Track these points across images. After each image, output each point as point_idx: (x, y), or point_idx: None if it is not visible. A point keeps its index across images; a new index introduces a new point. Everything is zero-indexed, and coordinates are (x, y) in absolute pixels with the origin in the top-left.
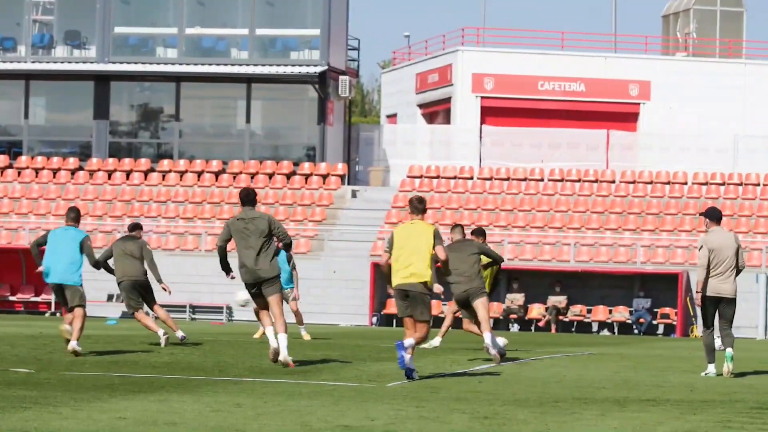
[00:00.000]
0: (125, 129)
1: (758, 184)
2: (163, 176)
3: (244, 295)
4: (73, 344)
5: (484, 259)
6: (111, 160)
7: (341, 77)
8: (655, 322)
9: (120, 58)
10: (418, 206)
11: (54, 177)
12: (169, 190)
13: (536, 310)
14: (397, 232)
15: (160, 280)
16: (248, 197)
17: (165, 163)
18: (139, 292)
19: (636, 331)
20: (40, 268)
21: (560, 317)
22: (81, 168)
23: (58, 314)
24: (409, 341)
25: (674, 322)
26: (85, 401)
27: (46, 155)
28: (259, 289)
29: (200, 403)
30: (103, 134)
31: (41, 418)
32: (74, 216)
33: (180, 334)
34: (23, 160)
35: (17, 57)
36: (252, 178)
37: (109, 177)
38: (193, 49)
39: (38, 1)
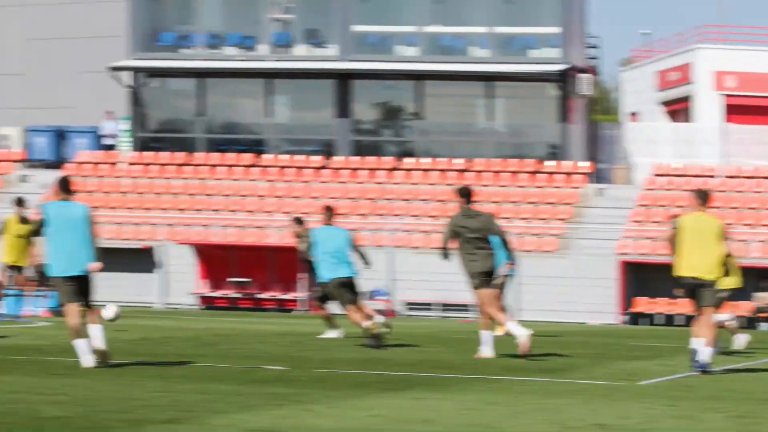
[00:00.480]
0: (367, 127)
1: None
2: (407, 174)
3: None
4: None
5: None
6: (355, 158)
7: (582, 75)
8: None
9: (360, 57)
10: (703, 198)
11: (298, 175)
12: (412, 188)
13: None
14: (684, 221)
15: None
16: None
17: (408, 161)
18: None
19: None
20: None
21: None
22: (324, 166)
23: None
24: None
25: None
26: (338, 399)
27: (290, 153)
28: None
29: (452, 401)
30: (346, 132)
31: (295, 415)
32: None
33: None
34: (267, 158)
35: (258, 56)
36: (496, 175)
37: (353, 175)
38: (432, 47)
39: (278, 0)
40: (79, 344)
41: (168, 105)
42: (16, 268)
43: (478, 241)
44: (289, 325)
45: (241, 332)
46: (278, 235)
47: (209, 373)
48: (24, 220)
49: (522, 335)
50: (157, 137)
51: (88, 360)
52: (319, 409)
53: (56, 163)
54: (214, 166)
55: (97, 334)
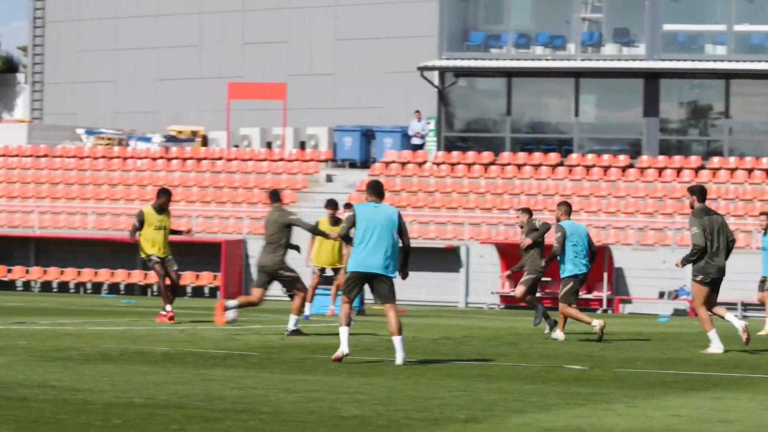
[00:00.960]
0: (675, 126)
1: None
2: (714, 173)
3: None
4: None
5: None
6: (661, 157)
7: None
8: None
9: (669, 56)
10: None
11: (604, 174)
12: (719, 187)
13: None
14: None
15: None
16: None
17: (715, 161)
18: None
19: None
20: None
21: None
22: (631, 165)
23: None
24: None
25: None
26: (638, 398)
27: (597, 153)
28: None
29: (754, 401)
30: (653, 132)
31: (595, 414)
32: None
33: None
34: (574, 157)
35: (567, 55)
36: None
37: (660, 174)
38: (741, 46)
39: (587, 0)
40: (342, 332)
41: (475, 105)
42: (325, 270)
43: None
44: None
45: (542, 332)
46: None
47: (509, 372)
48: (336, 222)
49: None
50: (463, 137)
51: (343, 350)
52: (618, 409)
53: (363, 163)
54: (520, 165)
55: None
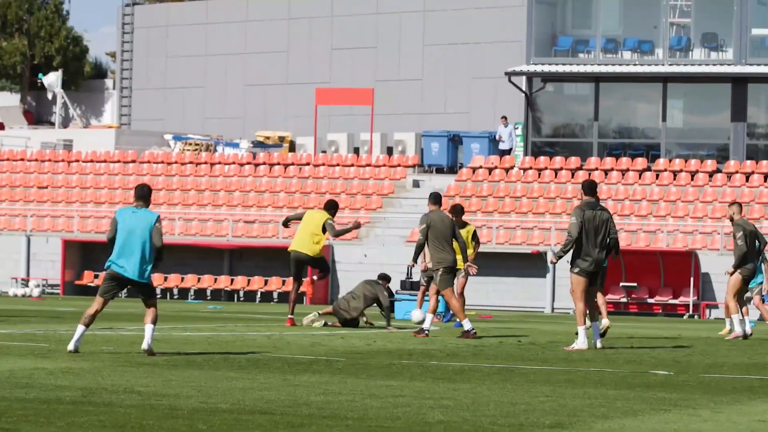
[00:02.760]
0: (762, 131)
1: None
2: None
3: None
4: None
5: None
6: (748, 162)
7: None
8: None
9: (757, 60)
10: None
11: (691, 180)
12: None
13: None
14: None
15: None
16: None
17: None
18: None
19: None
20: None
21: None
22: (718, 170)
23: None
24: None
25: None
26: (724, 404)
27: (684, 158)
28: None
29: None
30: (741, 136)
31: (681, 420)
32: None
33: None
34: (661, 162)
35: (654, 60)
36: None
37: (747, 179)
38: None
39: (675, 4)
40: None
41: (562, 110)
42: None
43: None
44: (678, 330)
45: (628, 336)
46: (667, 239)
47: (595, 378)
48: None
49: None
50: (550, 142)
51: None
52: (704, 414)
53: (450, 169)
54: (607, 171)
55: None
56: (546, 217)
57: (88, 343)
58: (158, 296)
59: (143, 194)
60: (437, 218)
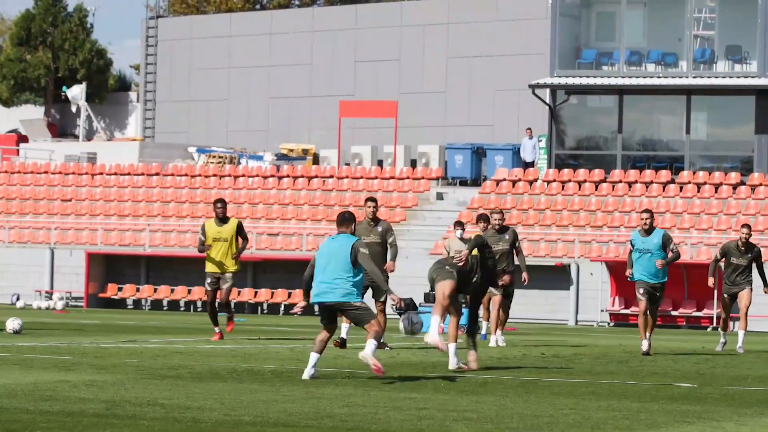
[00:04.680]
0: None
1: None
2: None
3: None
4: None
5: None
6: None
7: None
8: None
9: None
10: None
11: (715, 192)
12: None
13: None
14: None
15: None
16: None
17: None
18: None
19: None
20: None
21: None
22: (742, 183)
23: None
24: None
25: None
26: (748, 416)
27: (708, 170)
28: None
29: None
30: (765, 149)
31: None
32: None
33: None
34: (685, 175)
35: (678, 72)
36: None
37: None
38: None
39: (699, 17)
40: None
41: (586, 122)
42: None
43: None
44: (701, 342)
45: (653, 349)
46: (690, 251)
47: (618, 390)
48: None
49: None
50: (574, 154)
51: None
52: (728, 427)
53: (473, 181)
54: (631, 183)
55: None
56: (570, 229)
57: (112, 356)
58: (182, 309)
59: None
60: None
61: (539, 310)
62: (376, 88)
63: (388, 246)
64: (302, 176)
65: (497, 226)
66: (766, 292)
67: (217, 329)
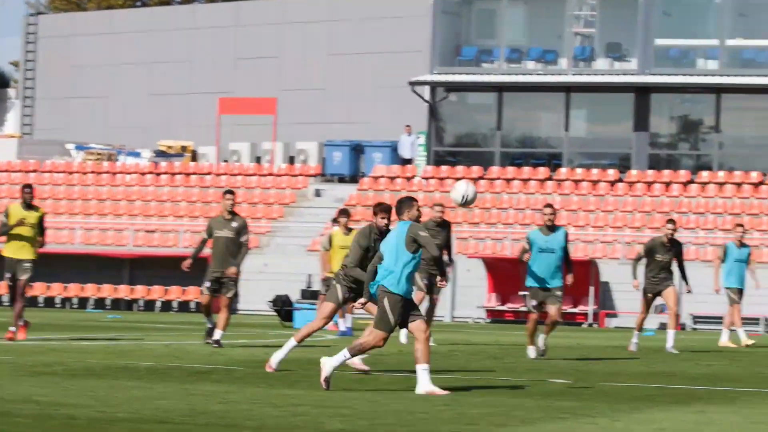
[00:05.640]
0: (665, 141)
1: None
2: (702, 188)
3: None
4: None
5: None
6: (650, 171)
7: None
8: None
9: (660, 70)
10: None
11: (593, 188)
12: (708, 201)
13: None
14: None
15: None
16: None
17: (704, 175)
18: None
19: None
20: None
21: None
22: (620, 180)
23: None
24: None
25: None
26: (622, 412)
27: (586, 167)
28: None
29: (737, 415)
30: (643, 146)
31: (579, 428)
32: None
33: None
34: (563, 172)
35: (558, 69)
36: None
37: (648, 188)
38: (734, 60)
39: (579, 14)
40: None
41: (465, 119)
42: None
43: None
44: (576, 338)
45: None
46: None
47: (494, 387)
48: (350, 231)
49: None
50: (453, 151)
51: None
52: (602, 423)
53: (352, 178)
54: (509, 180)
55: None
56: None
57: None
58: (58, 305)
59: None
60: None
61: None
62: (256, 85)
63: (240, 243)
64: (180, 173)
65: (439, 219)
66: (688, 291)
67: (12, 328)
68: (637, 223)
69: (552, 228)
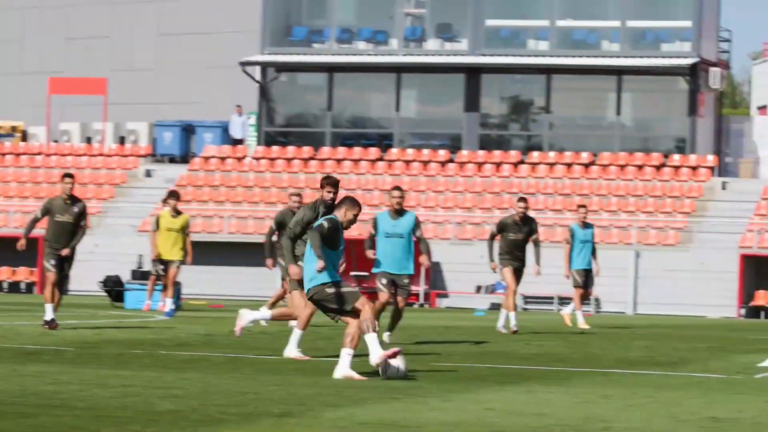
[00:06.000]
0: (495, 121)
1: None
2: (533, 168)
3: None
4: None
5: None
6: (481, 152)
7: (712, 69)
8: None
9: (491, 51)
10: None
11: (424, 169)
12: (538, 182)
13: None
14: None
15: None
16: None
17: (535, 155)
18: None
19: None
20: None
21: None
22: (451, 160)
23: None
24: None
25: None
26: (453, 392)
27: (417, 147)
28: None
29: (567, 394)
30: (474, 127)
31: (409, 408)
32: None
33: None
34: (394, 152)
35: (389, 50)
36: (621, 169)
37: (479, 169)
38: (564, 41)
39: None
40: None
41: (297, 100)
42: (166, 262)
43: None
44: (408, 319)
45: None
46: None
47: (325, 367)
48: (178, 213)
49: None
50: (284, 132)
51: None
52: (433, 403)
53: (182, 158)
54: (340, 160)
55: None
56: (278, 206)
57: None
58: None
59: None
60: None
61: (247, 287)
62: (87, 65)
63: (79, 227)
64: (10, 153)
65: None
66: (536, 272)
67: None
68: (468, 204)
69: (400, 212)
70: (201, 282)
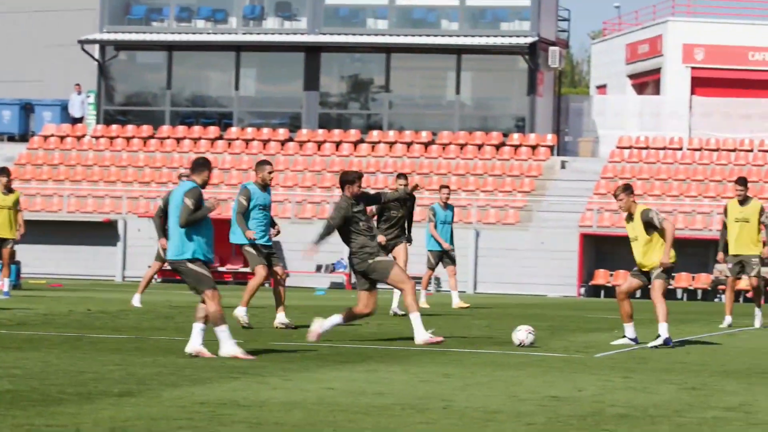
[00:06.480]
0: (335, 100)
1: None
2: (373, 147)
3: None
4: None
5: None
6: (321, 131)
7: (551, 48)
8: None
9: (330, 30)
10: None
11: (264, 148)
12: (378, 161)
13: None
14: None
15: None
16: None
17: (374, 134)
18: None
19: None
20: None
21: None
22: (291, 139)
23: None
24: None
25: None
26: (293, 371)
27: (256, 126)
28: None
29: (408, 374)
30: (313, 105)
31: (249, 388)
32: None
33: None
34: (233, 131)
35: (228, 29)
36: (461, 148)
37: (319, 148)
38: (403, 20)
39: None
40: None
41: (136, 78)
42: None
43: None
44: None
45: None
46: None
47: (164, 346)
48: (10, 191)
49: None
50: (123, 110)
51: None
52: (273, 382)
53: (21, 137)
54: (180, 139)
55: None
56: (118, 185)
57: None
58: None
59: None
60: None
61: (86, 266)
62: None
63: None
64: None
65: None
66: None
67: None
68: (308, 183)
69: (264, 188)
70: (40, 261)
